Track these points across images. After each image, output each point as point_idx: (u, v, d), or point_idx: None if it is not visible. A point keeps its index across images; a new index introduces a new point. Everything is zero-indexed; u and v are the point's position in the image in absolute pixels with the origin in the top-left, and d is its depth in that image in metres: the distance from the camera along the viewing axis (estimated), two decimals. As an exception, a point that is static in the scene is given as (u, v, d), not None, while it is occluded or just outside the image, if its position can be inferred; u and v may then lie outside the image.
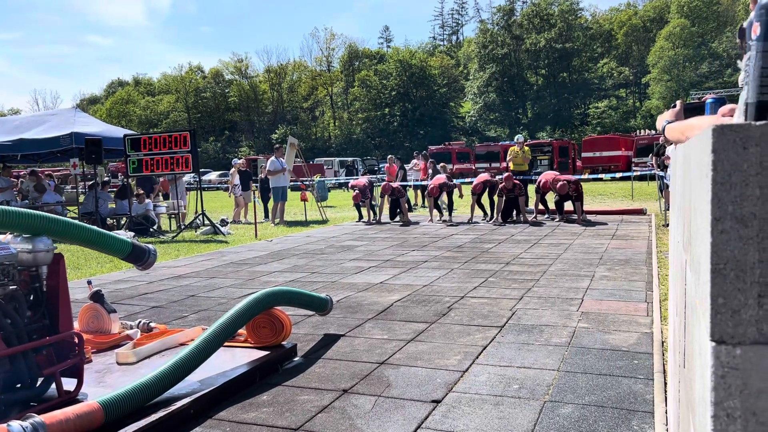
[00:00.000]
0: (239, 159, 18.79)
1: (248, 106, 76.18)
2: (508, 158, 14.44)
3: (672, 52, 52.55)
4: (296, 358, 3.91)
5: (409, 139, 63.09)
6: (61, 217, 3.28)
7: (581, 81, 60.94)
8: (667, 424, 2.69)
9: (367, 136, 67.07)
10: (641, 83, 59.55)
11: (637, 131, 39.27)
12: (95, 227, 3.48)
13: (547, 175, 12.19)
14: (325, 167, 43.35)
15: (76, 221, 3.44)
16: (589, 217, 12.21)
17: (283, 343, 3.89)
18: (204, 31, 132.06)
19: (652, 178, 17.36)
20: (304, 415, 3.02)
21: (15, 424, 2.34)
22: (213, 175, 44.88)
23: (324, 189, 22.29)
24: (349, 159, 45.87)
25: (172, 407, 2.98)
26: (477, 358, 3.78)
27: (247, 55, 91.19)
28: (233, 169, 17.32)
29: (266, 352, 3.76)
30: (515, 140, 14.94)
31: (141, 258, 3.68)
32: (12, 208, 3.04)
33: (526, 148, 14.63)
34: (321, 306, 4.56)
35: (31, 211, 3.11)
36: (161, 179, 16.54)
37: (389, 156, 17.67)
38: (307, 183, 18.86)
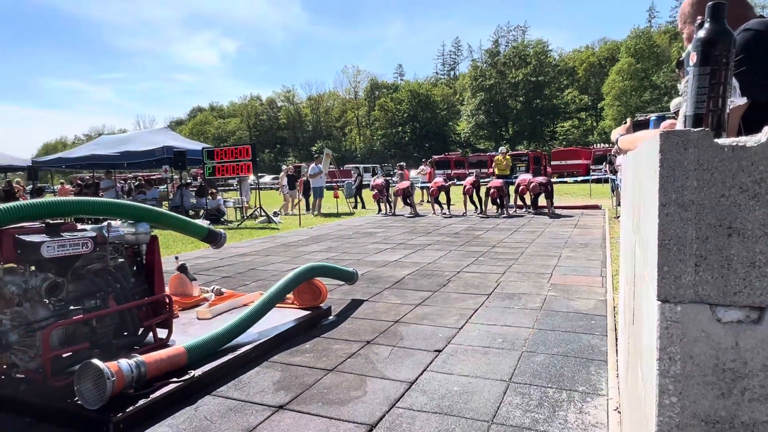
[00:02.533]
0: (287, 165, 18.77)
1: (294, 126, 76.17)
2: (494, 165, 14.30)
3: (621, 84, 51.56)
4: (331, 317, 3.91)
5: (417, 150, 62.62)
6: (156, 208, 3.31)
7: (550, 106, 60.04)
8: (617, 369, 2.65)
9: (385, 147, 66.70)
10: (597, 107, 58.48)
11: (594, 144, 38.59)
12: (181, 216, 3.50)
13: (524, 178, 12.04)
14: (352, 172, 43.20)
15: (167, 211, 3.45)
16: (557, 211, 12.05)
17: (320, 305, 3.89)
18: (262, 68, 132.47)
19: (606, 181, 17.09)
20: (337, 359, 3.02)
21: (123, 361, 2.37)
22: (267, 178, 44.91)
23: (351, 189, 22.26)
24: (370, 165, 45.73)
25: (238, 351, 2.99)
26: (470, 318, 3.76)
27: (293, 87, 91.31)
28: (282, 173, 17.37)
29: (308, 312, 3.76)
30: (499, 151, 14.75)
31: (215, 239, 3.70)
32: (122, 201, 3.08)
33: (508, 157, 14.44)
34: (349, 277, 4.56)
35: (135, 203, 3.15)
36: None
37: (400, 164, 17.50)
38: (339, 184, 18.82)
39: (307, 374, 2.81)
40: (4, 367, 2.61)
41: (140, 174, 24.03)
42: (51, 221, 2.64)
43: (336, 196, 15.88)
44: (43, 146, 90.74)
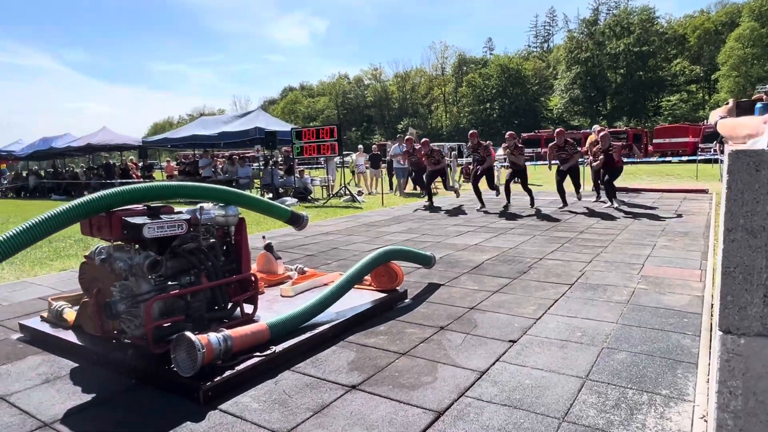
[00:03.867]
0: (360, 147, 18.99)
1: (380, 104, 76.68)
2: (587, 145, 13.50)
3: (741, 52, 46.15)
4: (406, 300, 3.97)
5: (505, 127, 60.63)
6: (244, 192, 3.52)
7: (655, 78, 55.20)
8: (708, 374, 2.47)
9: (471, 125, 65.30)
10: (710, 79, 52.95)
11: (704, 121, 35.11)
12: (267, 199, 3.70)
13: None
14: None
15: (254, 195, 3.67)
16: (656, 195, 11.20)
17: (396, 288, 3.96)
18: (350, 47, 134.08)
19: (716, 161, 15.53)
20: (410, 343, 3.08)
21: (212, 335, 2.59)
22: (354, 156, 45.81)
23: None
24: (455, 144, 44.99)
25: (317, 330, 3.14)
26: (549, 309, 3.65)
27: (380, 65, 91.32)
28: (356, 154, 17.69)
29: (384, 294, 3.84)
30: (593, 129, 13.91)
31: (297, 222, 3.88)
32: (214, 186, 3.31)
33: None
34: (426, 261, 4.59)
35: (226, 188, 3.36)
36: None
37: (487, 142, 17.07)
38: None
39: (380, 356, 2.90)
40: (115, 332, 2.96)
41: (235, 152, 25.53)
42: (152, 204, 2.91)
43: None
44: (153, 126, 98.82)
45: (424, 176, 11.80)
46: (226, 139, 15.52)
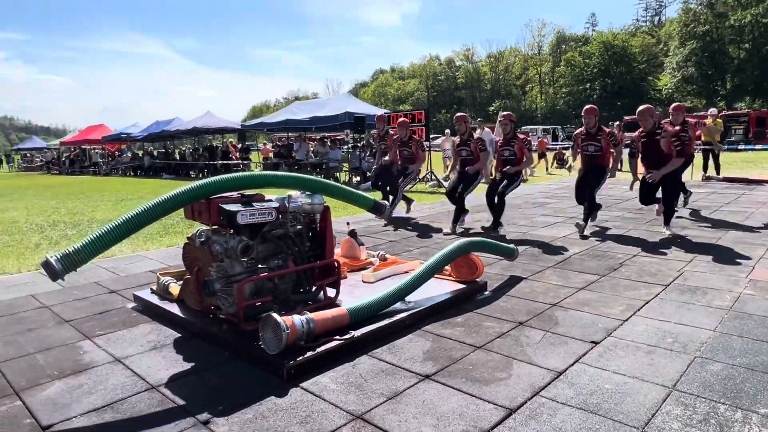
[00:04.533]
0: (448, 130, 18.71)
1: (472, 85, 75.05)
2: (700, 129, 12.36)
3: None
4: (486, 292, 3.96)
5: (606, 109, 56.82)
6: (330, 182, 3.68)
7: (788, 53, 48.88)
8: (819, 397, 2.25)
9: (569, 107, 62.00)
10: None
11: None
12: (350, 189, 3.84)
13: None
14: (530, 134, 41.36)
15: (340, 185, 3.81)
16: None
17: (476, 279, 3.96)
18: (442, 28, 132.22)
19: None
20: (486, 337, 3.09)
21: (296, 317, 2.77)
22: (440, 140, 45.36)
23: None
24: (550, 127, 43.02)
25: (395, 318, 3.23)
26: (638, 310, 3.47)
27: (472, 45, 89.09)
28: (444, 138, 17.49)
29: (464, 286, 3.86)
30: (709, 113, 12.71)
31: (379, 210, 3.98)
32: (301, 175, 3.49)
33: (719, 120, 12.40)
34: (509, 254, 4.52)
35: (314, 177, 3.54)
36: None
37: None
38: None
39: (456, 348, 2.94)
40: (212, 308, 3.26)
41: (326, 135, 26.36)
42: (246, 193, 3.14)
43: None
44: (251, 108, 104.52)
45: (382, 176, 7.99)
46: (317, 124, 16.10)
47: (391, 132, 8.21)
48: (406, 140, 7.63)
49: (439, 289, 3.79)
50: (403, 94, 78.45)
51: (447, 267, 4.01)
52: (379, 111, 16.67)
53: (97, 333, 3.34)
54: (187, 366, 2.81)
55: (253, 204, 3.05)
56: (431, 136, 17.73)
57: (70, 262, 2.49)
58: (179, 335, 3.27)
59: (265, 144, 24.30)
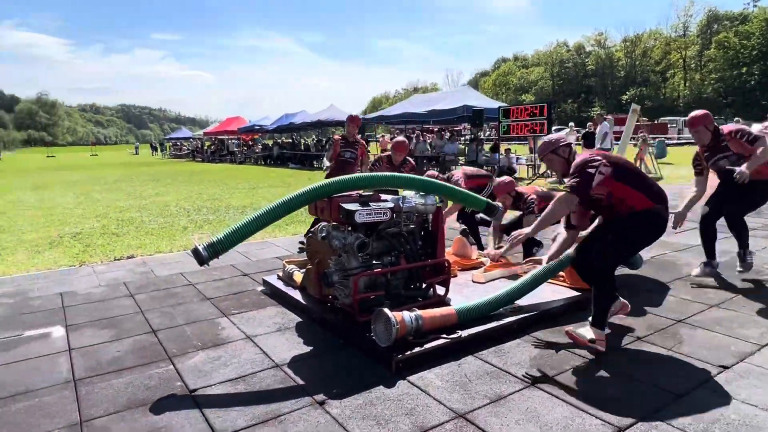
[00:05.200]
0: (571, 124, 17.68)
1: (603, 72, 69.87)
2: None
3: None
4: (603, 302, 3.79)
5: (765, 96, 49.89)
6: (444, 183, 3.78)
7: None
8: None
9: (719, 95, 55.21)
10: None
11: None
12: (464, 190, 3.90)
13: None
14: (669, 126, 37.66)
15: (451, 185, 3.88)
16: None
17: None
18: (573, 11, 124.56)
19: None
20: (609, 347, 2.99)
21: (406, 313, 2.93)
22: (563, 133, 42.97)
23: (663, 147, 19.59)
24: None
25: (503, 321, 3.25)
26: (782, 335, 3.12)
27: (606, 29, 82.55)
28: (567, 130, 16.57)
29: (578, 293, 3.74)
30: None
31: (492, 212, 3.99)
32: (415, 177, 3.63)
33: None
34: (632, 263, 4.27)
35: (427, 179, 3.64)
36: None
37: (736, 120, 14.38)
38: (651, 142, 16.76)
39: (565, 357, 2.90)
40: (330, 297, 3.54)
41: (444, 128, 26.40)
42: (364, 193, 3.36)
43: (641, 157, 14.31)
44: (371, 100, 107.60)
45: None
46: (435, 117, 16.22)
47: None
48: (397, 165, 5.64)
49: (552, 294, 3.72)
50: (526, 83, 75.52)
51: (562, 272, 3.91)
52: (498, 103, 16.34)
53: (232, 312, 3.80)
54: (307, 349, 3.11)
55: (370, 204, 3.26)
56: (555, 128, 16.99)
57: (214, 251, 2.88)
58: (300, 320, 3.61)
59: (383, 136, 24.97)
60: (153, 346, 3.21)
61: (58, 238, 6.98)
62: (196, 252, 2.86)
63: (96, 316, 3.78)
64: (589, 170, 2.86)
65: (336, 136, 6.32)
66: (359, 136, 6.61)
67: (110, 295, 4.27)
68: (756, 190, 4.14)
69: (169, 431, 2.27)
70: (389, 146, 6.06)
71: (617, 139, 14.01)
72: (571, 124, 17.87)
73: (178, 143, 46.74)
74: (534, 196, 4.89)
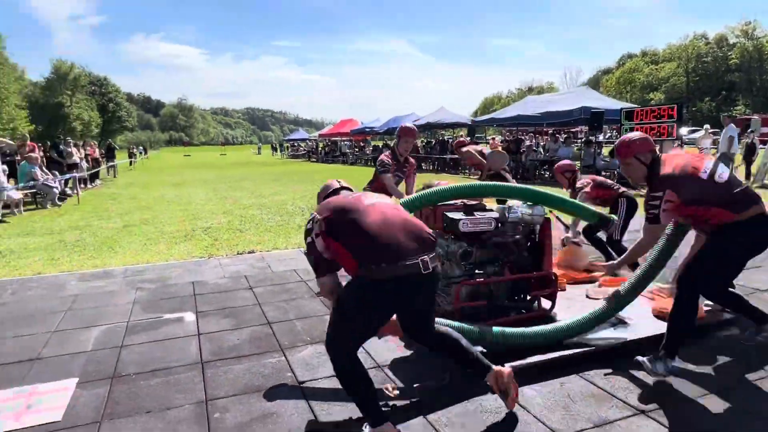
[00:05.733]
0: (707, 125, 15.90)
1: (749, 67, 62.12)
2: None
3: None
4: (733, 329, 3.44)
5: None
6: (553, 193, 3.68)
7: None
8: None
9: None
10: None
11: None
12: (574, 201, 3.76)
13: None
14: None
15: (563, 196, 3.77)
16: None
17: (725, 311, 3.48)
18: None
19: None
20: (721, 381, 2.72)
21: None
22: (698, 135, 38.78)
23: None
24: None
25: (611, 340, 3.10)
26: None
27: (755, 18, 73.26)
28: (703, 132, 15.00)
29: (703, 315, 3.43)
30: None
31: (605, 225, 3.81)
32: (525, 186, 3.57)
33: None
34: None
35: (536, 189, 3.57)
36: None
37: None
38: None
39: (680, 386, 2.69)
40: (432, 303, 3.61)
41: (559, 130, 25.25)
42: (468, 202, 3.38)
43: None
44: (483, 101, 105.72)
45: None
46: (549, 120, 15.60)
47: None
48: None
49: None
50: (655, 80, 69.44)
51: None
52: (621, 104, 15.27)
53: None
54: (408, 353, 3.21)
55: (475, 213, 3.28)
56: (689, 129, 15.53)
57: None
58: (402, 323, 3.72)
59: (493, 138, 24.50)
60: (268, 337, 3.51)
61: (192, 231, 7.81)
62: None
63: (220, 305, 4.21)
64: (654, 209, 2.72)
65: (387, 158, 4.73)
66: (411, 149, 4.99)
67: (233, 287, 4.71)
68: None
69: (279, 417, 2.49)
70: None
71: (764, 142, 12.45)
72: (707, 126, 16.18)
73: (296, 144, 49.65)
74: (587, 185, 4.81)
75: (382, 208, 2.31)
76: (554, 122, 16.33)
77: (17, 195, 10.54)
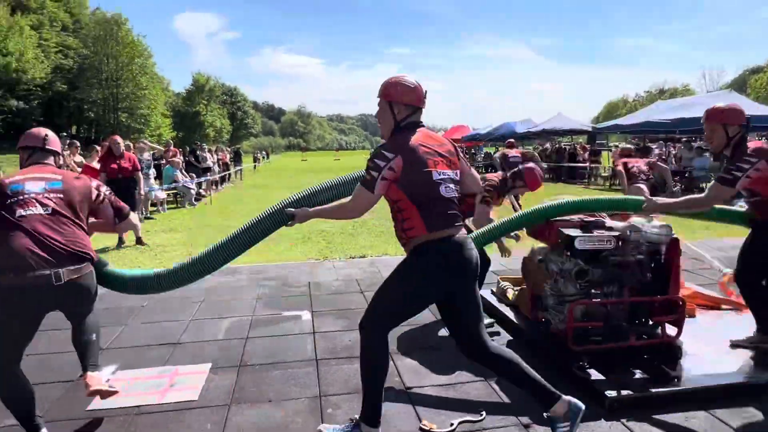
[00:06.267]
0: None
1: None
2: None
3: None
4: None
5: None
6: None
7: None
8: None
9: None
10: None
11: None
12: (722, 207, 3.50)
13: None
14: None
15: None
16: None
17: None
18: None
19: None
20: None
21: None
22: None
23: None
24: None
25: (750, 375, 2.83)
26: None
27: None
28: None
29: None
30: None
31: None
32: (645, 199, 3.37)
33: None
34: None
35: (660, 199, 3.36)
36: None
37: None
38: None
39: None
40: (543, 320, 3.53)
41: (695, 137, 22.92)
42: (586, 218, 3.27)
43: None
44: (606, 105, 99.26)
45: None
46: (682, 127, 14.28)
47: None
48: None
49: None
50: (818, 80, 60.42)
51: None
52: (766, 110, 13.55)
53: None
54: (438, 378, 3.15)
55: (593, 230, 3.16)
56: None
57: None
58: (511, 338, 3.68)
59: (616, 146, 22.99)
60: (377, 341, 3.66)
61: (309, 234, 8.33)
62: None
63: (334, 306, 4.47)
64: (737, 171, 2.93)
65: (493, 184, 4.06)
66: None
67: (345, 290, 4.97)
68: None
69: (385, 420, 2.60)
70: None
71: None
72: None
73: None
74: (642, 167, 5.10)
75: None
76: (688, 129, 14.91)
77: (162, 195, 11.97)
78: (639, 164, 5.49)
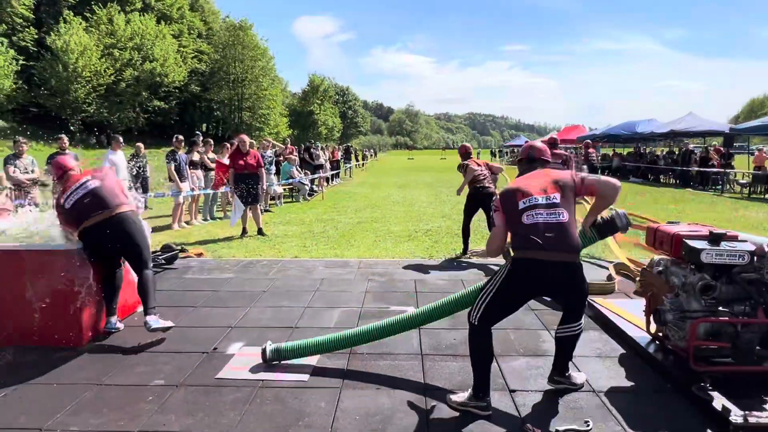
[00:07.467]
0: None
1: None
2: None
3: None
4: None
5: None
6: None
7: None
8: None
9: None
10: None
11: None
12: None
13: None
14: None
15: None
16: None
17: None
18: None
19: None
20: None
21: None
22: None
23: None
24: None
25: None
26: None
27: None
28: None
29: None
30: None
31: None
32: None
33: None
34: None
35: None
36: None
37: None
38: None
39: None
40: (660, 335, 3.36)
41: None
42: (715, 230, 3.05)
43: None
44: (748, 103, 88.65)
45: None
46: None
47: None
48: None
49: None
50: None
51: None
52: None
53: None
54: (627, 384, 3.07)
55: (722, 243, 2.95)
56: None
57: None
58: (623, 351, 3.54)
59: (760, 150, 20.52)
60: (482, 341, 3.71)
61: (414, 232, 8.51)
62: None
63: (439, 304, 4.57)
64: None
65: None
66: None
67: (451, 289, 5.05)
68: None
69: (492, 419, 2.67)
70: None
71: None
72: None
73: (515, 150, 49.10)
74: None
75: None
76: None
77: (280, 189, 12.86)
78: None
